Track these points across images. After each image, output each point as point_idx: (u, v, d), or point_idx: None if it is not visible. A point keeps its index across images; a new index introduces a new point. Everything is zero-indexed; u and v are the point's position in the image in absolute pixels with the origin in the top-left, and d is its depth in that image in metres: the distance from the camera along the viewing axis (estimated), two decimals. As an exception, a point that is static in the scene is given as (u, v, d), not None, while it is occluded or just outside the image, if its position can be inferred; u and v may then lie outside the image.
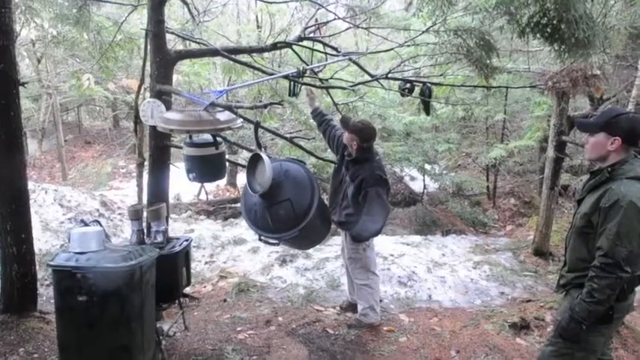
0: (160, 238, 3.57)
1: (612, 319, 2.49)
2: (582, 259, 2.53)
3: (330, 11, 4.68)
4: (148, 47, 3.90)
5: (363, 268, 4.21)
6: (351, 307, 4.58)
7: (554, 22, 3.45)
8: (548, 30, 3.52)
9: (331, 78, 5.01)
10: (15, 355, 3.45)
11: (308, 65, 4.46)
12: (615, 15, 4.95)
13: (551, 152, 6.44)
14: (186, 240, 3.77)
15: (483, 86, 5.05)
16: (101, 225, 3.25)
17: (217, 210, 9.51)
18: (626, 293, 2.45)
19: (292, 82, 4.01)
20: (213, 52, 4.31)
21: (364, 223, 3.85)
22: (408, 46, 4.73)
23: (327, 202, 4.17)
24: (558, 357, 2.61)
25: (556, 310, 4.46)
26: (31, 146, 14.88)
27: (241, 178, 10.89)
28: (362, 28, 4.85)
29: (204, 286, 5.54)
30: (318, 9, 4.63)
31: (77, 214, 6.97)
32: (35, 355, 3.49)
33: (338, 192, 4.13)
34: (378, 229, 3.89)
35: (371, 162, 3.93)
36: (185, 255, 3.72)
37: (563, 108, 6.22)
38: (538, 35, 3.67)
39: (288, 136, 5.00)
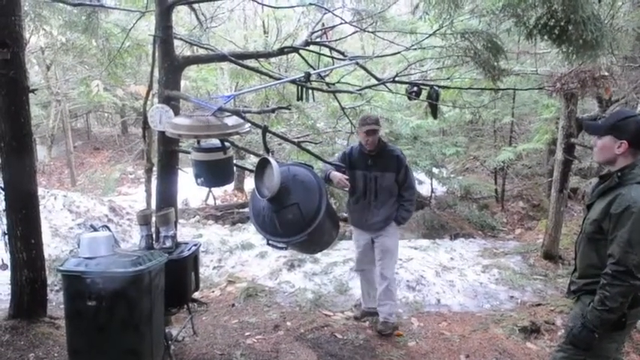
0: (168, 243, 3.58)
1: (625, 326, 2.46)
2: (593, 266, 2.49)
3: (337, 15, 4.68)
4: (156, 53, 3.93)
5: (396, 257, 4.45)
6: (367, 314, 4.59)
7: (562, 23, 3.44)
8: (556, 31, 3.50)
9: (338, 82, 5.01)
10: (25, 360, 3.46)
11: (315, 70, 4.46)
12: (623, 16, 4.93)
13: (559, 155, 6.40)
14: (195, 245, 3.78)
15: (491, 89, 5.02)
16: (110, 230, 3.27)
17: (225, 215, 9.53)
18: (639, 300, 2.41)
19: (299, 87, 4.02)
20: (221, 58, 4.32)
21: (409, 199, 4.27)
22: (415, 49, 4.73)
23: (346, 214, 4.41)
24: None
25: (566, 315, 4.44)
26: (41, 152, 15.01)
27: (249, 183, 10.92)
28: (368, 32, 4.85)
29: (213, 291, 5.54)
30: (324, 13, 4.64)
31: (86, 219, 7.01)
32: (45, 360, 3.50)
33: (365, 197, 4.26)
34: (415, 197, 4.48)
35: (388, 144, 4.36)
36: (194, 260, 3.73)
37: (572, 110, 6.18)
38: (546, 37, 3.65)
39: (295, 140, 5.01)
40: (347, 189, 4.20)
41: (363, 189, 4.24)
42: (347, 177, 4.09)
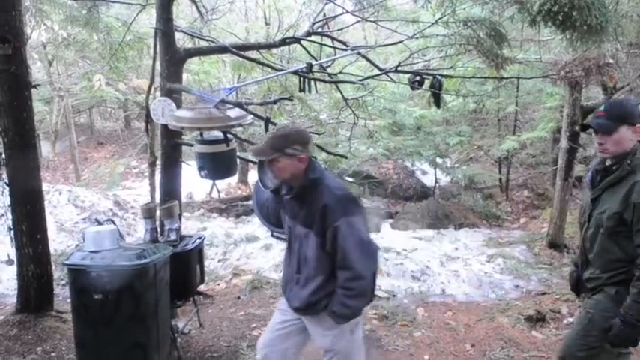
0: (173, 236, 3.59)
1: None
2: (617, 260, 2.38)
3: (339, 5, 4.65)
4: (158, 46, 3.91)
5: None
6: None
7: (566, 9, 3.39)
8: (560, 17, 3.45)
9: (340, 73, 4.99)
10: (33, 354, 3.49)
11: (317, 60, 4.44)
12: (627, 2, 4.86)
13: (564, 143, 6.37)
14: (199, 238, 3.78)
15: (494, 77, 4.99)
16: (115, 224, 3.27)
17: (229, 208, 9.55)
18: None
19: (302, 78, 4.00)
20: (222, 50, 4.31)
21: (348, 287, 2.29)
22: (417, 38, 4.69)
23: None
24: (587, 350, 2.49)
25: (572, 303, 4.43)
26: (45, 148, 15.03)
27: (252, 176, 10.92)
28: (370, 21, 4.82)
29: (218, 284, 5.56)
30: (326, 3, 4.61)
31: (91, 214, 7.04)
32: (53, 354, 3.53)
33: (291, 262, 2.54)
34: (371, 283, 2.35)
35: (323, 181, 2.38)
36: (198, 253, 3.74)
37: (576, 98, 6.14)
38: (549, 23, 3.61)
39: (298, 132, 4.99)
40: None
41: (288, 254, 2.61)
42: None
